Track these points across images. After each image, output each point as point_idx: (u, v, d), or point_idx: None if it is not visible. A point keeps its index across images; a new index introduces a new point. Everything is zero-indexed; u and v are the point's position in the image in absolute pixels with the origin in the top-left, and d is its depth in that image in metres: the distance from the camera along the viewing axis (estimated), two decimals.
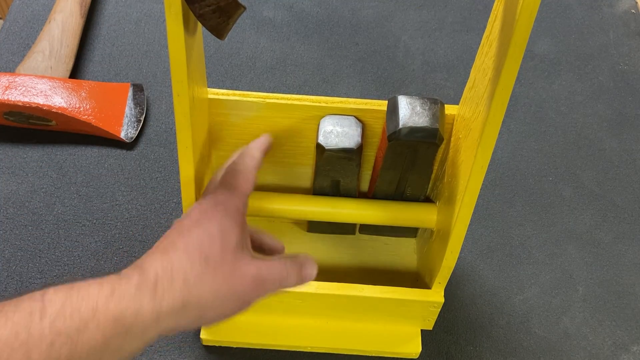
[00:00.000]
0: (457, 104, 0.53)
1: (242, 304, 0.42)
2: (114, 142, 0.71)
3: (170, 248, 0.41)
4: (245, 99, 0.54)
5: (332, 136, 0.53)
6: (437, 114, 0.50)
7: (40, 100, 0.67)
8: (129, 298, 0.37)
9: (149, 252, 0.41)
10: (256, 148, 0.49)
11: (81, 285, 0.36)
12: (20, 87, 0.67)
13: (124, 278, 0.38)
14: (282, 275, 0.43)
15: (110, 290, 0.37)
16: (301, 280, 0.44)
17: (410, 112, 0.50)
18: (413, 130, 0.50)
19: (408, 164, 0.54)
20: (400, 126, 0.50)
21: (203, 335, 0.57)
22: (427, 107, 0.50)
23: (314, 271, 0.44)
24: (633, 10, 0.89)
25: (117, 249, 0.64)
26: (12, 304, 0.35)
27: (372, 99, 0.55)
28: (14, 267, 0.62)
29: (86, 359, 0.35)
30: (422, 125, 0.50)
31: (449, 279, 0.53)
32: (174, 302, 0.39)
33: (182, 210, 0.49)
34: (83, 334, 0.35)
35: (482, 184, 0.46)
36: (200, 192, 0.51)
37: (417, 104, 0.51)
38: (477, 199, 0.47)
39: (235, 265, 0.41)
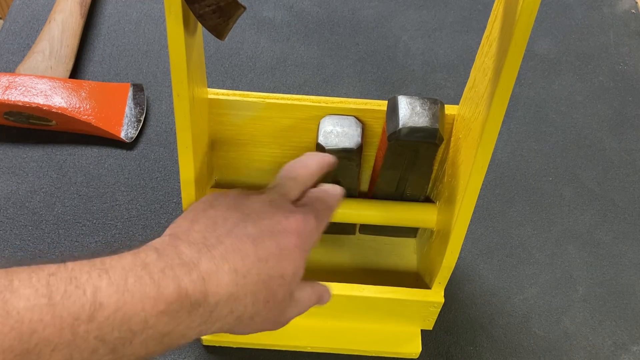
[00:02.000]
0: (457, 104, 0.53)
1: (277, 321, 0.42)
2: (114, 142, 0.71)
3: (232, 256, 0.38)
4: (245, 99, 0.54)
5: (332, 136, 0.53)
6: (437, 114, 0.50)
7: (40, 100, 0.67)
8: (183, 319, 0.35)
9: (205, 262, 0.37)
10: (313, 159, 0.47)
11: (135, 287, 0.34)
12: (20, 87, 0.67)
13: (183, 294, 0.35)
14: (311, 301, 0.44)
15: (165, 305, 0.34)
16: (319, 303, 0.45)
17: (410, 112, 0.50)
18: (413, 130, 0.50)
19: (408, 164, 0.54)
20: (400, 126, 0.50)
21: None
22: (427, 107, 0.50)
23: (328, 299, 0.46)
24: (633, 10, 0.89)
25: (117, 249, 0.63)
26: (59, 290, 0.32)
27: (372, 99, 0.55)
28: None
29: None
30: (422, 125, 0.50)
31: (449, 279, 0.53)
32: (222, 330, 0.39)
33: (182, 210, 0.49)
34: (127, 347, 0.34)
35: (482, 184, 0.46)
36: (200, 192, 0.51)
37: (417, 104, 0.51)
38: (477, 199, 0.47)
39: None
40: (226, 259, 0.38)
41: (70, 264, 0.33)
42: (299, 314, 0.43)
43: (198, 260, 0.37)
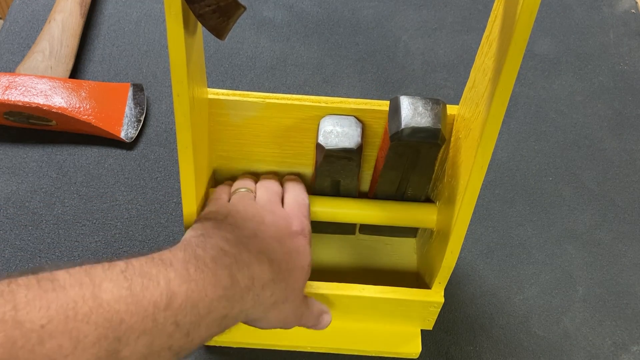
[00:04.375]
0: (457, 104, 0.53)
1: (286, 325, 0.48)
2: (114, 142, 0.71)
3: (264, 261, 0.44)
4: (245, 99, 0.54)
5: (332, 136, 0.53)
6: (440, 115, 0.50)
7: (40, 100, 0.67)
8: (237, 302, 0.41)
9: (245, 254, 0.43)
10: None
11: (197, 275, 0.39)
12: (20, 87, 0.67)
13: (235, 279, 0.41)
14: (317, 312, 0.50)
15: (223, 290, 0.40)
16: (318, 325, 0.51)
17: (413, 112, 0.50)
18: (415, 131, 0.50)
19: (410, 165, 0.53)
20: (403, 126, 0.50)
21: None
22: (429, 108, 0.50)
23: (329, 321, 0.52)
24: (633, 10, 0.89)
25: (117, 249, 0.64)
26: (137, 282, 0.36)
27: (372, 99, 0.55)
28: (14, 267, 0.62)
29: (190, 348, 0.39)
30: (424, 125, 0.50)
31: (449, 279, 0.53)
32: (258, 316, 0.44)
33: (182, 210, 0.49)
34: (196, 330, 0.38)
35: (482, 184, 0.46)
36: (200, 192, 0.51)
37: (420, 105, 0.50)
38: (477, 199, 0.47)
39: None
40: (261, 251, 0.44)
41: (135, 261, 0.38)
42: (309, 319, 0.50)
43: (238, 252, 0.43)
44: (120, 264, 0.36)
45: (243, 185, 0.54)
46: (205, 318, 0.39)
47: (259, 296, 0.43)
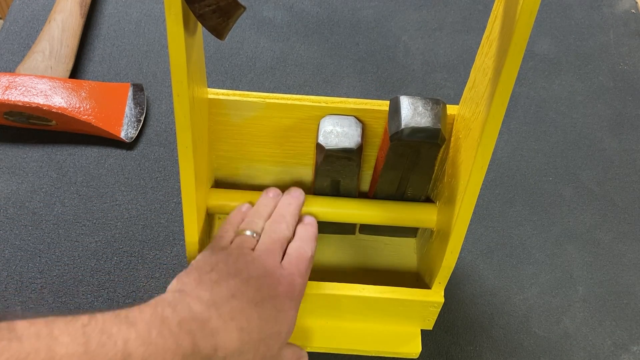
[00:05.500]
0: (457, 104, 0.53)
1: None
2: (114, 142, 0.71)
3: (236, 323, 0.43)
4: (245, 99, 0.54)
5: (332, 136, 0.53)
6: (439, 114, 0.50)
7: (40, 100, 0.67)
8: None
9: (214, 320, 0.42)
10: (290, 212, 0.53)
11: (157, 340, 0.38)
12: (20, 87, 0.67)
13: (196, 347, 0.40)
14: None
15: (181, 357, 0.39)
16: None
17: (413, 112, 0.50)
18: (415, 131, 0.50)
19: (410, 165, 0.53)
20: (403, 126, 0.50)
21: None
22: (429, 108, 0.50)
23: None
24: (633, 10, 0.89)
25: (117, 249, 0.64)
26: (94, 339, 0.35)
27: (372, 99, 0.55)
28: (14, 267, 0.62)
29: None
30: (424, 125, 0.50)
31: (449, 279, 0.53)
32: None
33: (182, 210, 0.49)
34: None
35: (482, 184, 0.46)
36: (200, 192, 0.51)
37: (420, 104, 0.51)
38: (477, 199, 0.47)
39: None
40: (233, 318, 0.43)
41: (99, 316, 0.37)
42: None
43: (209, 316, 0.42)
44: (84, 318, 0.36)
45: (253, 225, 0.51)
46: None
47: None
